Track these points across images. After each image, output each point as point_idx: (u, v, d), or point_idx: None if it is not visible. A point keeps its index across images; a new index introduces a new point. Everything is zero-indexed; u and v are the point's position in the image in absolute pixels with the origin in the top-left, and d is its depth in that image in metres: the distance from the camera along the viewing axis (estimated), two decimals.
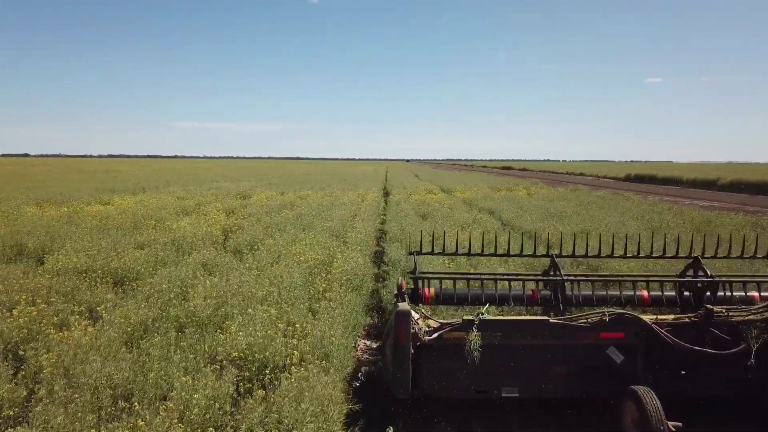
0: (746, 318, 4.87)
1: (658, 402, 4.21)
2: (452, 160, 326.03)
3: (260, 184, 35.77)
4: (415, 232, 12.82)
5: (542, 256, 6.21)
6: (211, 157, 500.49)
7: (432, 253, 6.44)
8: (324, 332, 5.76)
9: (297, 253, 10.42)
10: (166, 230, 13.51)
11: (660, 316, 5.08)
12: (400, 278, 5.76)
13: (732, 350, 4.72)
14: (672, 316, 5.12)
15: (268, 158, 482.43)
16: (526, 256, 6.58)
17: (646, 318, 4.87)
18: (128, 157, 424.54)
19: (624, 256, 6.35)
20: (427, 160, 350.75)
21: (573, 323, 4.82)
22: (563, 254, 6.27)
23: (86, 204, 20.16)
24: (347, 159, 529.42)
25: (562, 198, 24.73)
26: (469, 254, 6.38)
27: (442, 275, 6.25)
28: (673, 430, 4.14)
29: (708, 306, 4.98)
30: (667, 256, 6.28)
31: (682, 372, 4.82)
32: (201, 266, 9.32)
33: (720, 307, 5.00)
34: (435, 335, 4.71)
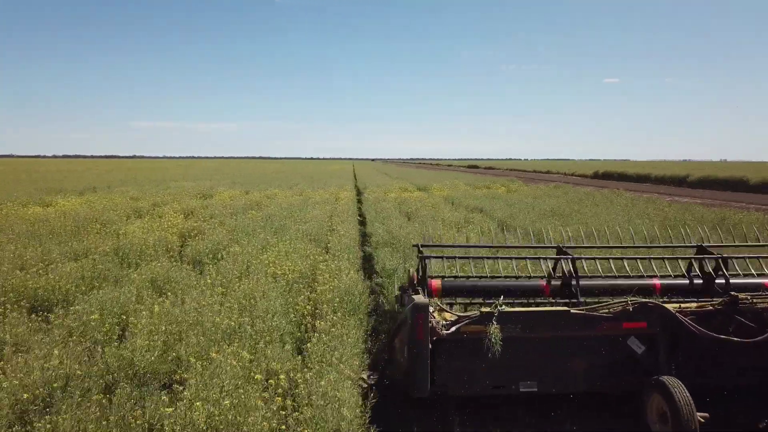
0: None
1: (687, 394, 4.04)
2: (417, 159, 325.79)
3: (223, 183, 33.45)
4: (405, 235, 11.09)
5: (552, 247, 6.08)
6: (171, 157, 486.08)
7: (440, 245, 6.13)
8: (326, 393, 3.90)
9: (270, 264, 8.53)
10: (113, 236, 11.42)
11: (683, 304, 4.92)
12: (411, 270, 5.53)
13: (759, 338, 4.51)
14: (695, 304, 4.95)
15: (230, 158, 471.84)
16: (537, 247, 6.28)
17: (670, 306, 4.72)
18: (84, 157, 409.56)
19: (633, 246, 6.37)
20: (392, 159, 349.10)
21: (595, 313, 4.64)
22: (572, 245, 6.16)
23: (21, 206, 17.70)
24: (311, 158, 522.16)
25: (548, 195, 23.28)
26: (478, 246, 6.15)
27: (453, 253, 6.03)
28: (702, 421, 3.97)
29: (732, 293, 4.82)
30: (675, 245, 6.33)
31: (707, 361, 4.68)
32: (149, 284, 7.33)
33: (745, 293, 4.83)
34: (453, 329, 4.45)
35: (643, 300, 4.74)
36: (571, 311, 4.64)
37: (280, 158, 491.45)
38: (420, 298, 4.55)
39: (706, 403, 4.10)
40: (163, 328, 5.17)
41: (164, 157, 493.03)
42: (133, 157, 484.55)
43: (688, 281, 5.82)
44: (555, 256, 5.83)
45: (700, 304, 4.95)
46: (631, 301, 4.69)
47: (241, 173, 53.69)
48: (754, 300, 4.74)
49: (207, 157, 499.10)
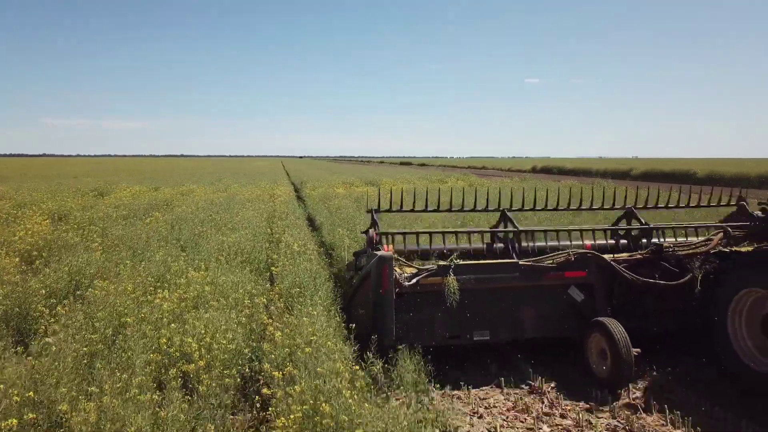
0: (690, 252, 5.28)
1: (624, 330, 4.49)
2: (345, 157, 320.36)
3: (130, 178, 28.01)
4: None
5: (494, 210, 6.26)
6: (86, 156, 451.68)
7: (390, 210, 6.24)
8: None
9: (164, 322, 4.18)
10: None
11: (617, 255, 5.39)
12: (371, 231, 5.51)
13: (680, 281, 5.07)
14: (626, 254, 5.45)
15: (150, 156, 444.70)
16: (479, 211, 6.53)
17: (606, 257, 5.20)
18: None
19: (567, 208, 7.00)
20: (320, 157, 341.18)
21: (541, 264, 5.14)
22: (513, 209, 6.39)
23: None
24: (234, 156, 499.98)
25: (531, 189, 19.57)
26: (425, 210, 6.33)
27: (406, 232, 6.00)
28: (635, 355, 4.42)
29: (657, 243, 5.47)
30: (605, 208, 6.70)
31: (638, 306, 5.15)
32: None
33: (668, 242, 5.56)
34: (414, 280, 4.78)
35: (583, 251, 5.33)
36: (520, 262, 5.10)
37: (202, 156, 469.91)
38: (383, 252, 4.82)
39: (638, 343, 4.47)
40: None
41: (78, 156, 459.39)
42: (43, 155, 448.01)
43: (614, 241, 6.14)
44: (498, 228, 6.01)
45: (630, 254, 5.44)
46: (572, 252, 5.23)
47: (155, 169, 47.65)
48: (676, 248, 5.33)
49: (125, 156, 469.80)
